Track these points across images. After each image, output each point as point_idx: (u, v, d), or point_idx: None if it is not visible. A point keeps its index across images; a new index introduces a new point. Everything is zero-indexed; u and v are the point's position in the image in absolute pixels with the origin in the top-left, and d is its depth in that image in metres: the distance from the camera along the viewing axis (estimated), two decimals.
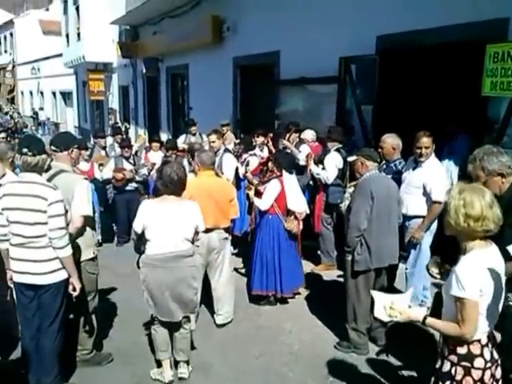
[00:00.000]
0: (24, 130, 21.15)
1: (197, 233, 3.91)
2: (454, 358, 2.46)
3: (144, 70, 15.37)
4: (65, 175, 3.84)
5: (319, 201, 6.42)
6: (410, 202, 4.93)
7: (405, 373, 4.15)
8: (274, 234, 5.21)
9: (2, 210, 3.44)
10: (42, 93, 31.49)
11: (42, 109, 30.31)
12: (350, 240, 4.29)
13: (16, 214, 3.41)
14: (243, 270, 6.34)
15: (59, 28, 22.96)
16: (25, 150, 3.45)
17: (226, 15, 10.61)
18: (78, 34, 19.19)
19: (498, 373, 2.52)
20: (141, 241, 3.89)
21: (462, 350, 2.44)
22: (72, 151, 4.00)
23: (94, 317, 4.20)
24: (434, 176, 4.86)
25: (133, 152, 8.12)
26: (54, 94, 29.37)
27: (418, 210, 4.92)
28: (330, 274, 6.31)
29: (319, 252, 6.58)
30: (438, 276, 3.48)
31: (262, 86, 9.59)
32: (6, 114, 27.34)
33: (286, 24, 8.61)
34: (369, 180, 4.31)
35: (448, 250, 2.79)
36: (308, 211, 5.64)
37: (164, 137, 13.31)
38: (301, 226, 5.32)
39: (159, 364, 4.11)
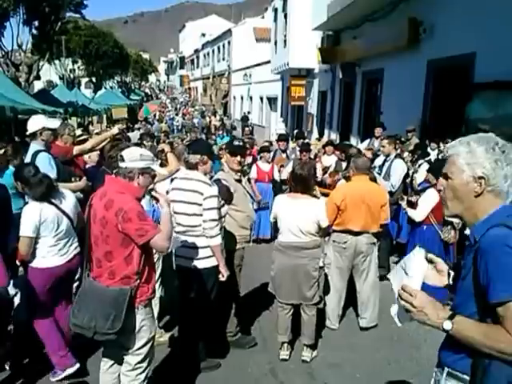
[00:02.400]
0: (233, 131, 23.84)
1: (322, 229, 4.44)
2: None
3: (340, 75, 16.06)
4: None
5: None
6: None
7: None
8: (429, 246, 5.28)
9: (171, 201, 4.34)
10: (251, 98, 34.66)
11: (249, 113, 33.31)
12: None
13: (180, 205, 4.27)
14: None
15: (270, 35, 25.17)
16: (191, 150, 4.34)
17: (423, 17, 10.62)
18: (285, 41, 20.85)
19: None
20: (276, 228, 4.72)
21: None
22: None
23: (236, 304, 4.92)
24: None
25: (311, 155, 8.80)
26: (261, 98, 32.11)
27: None
28: None
29: None
30: None
31: (455, 90, 9.40)
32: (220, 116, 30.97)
33: (483, 24, 8.37)
34: None
35: None
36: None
37: (354, 141, 13.79)
38: (457, 236, 5.31)
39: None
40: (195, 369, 4.49)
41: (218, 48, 46.57)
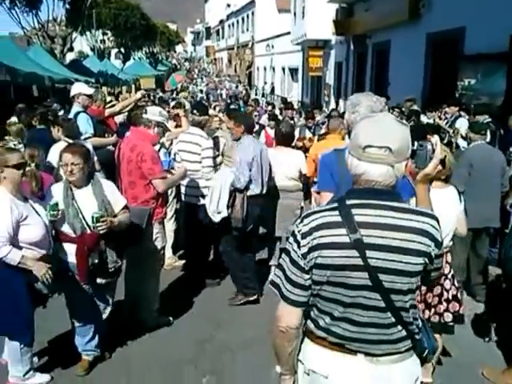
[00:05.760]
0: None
1: (302, 174, 5.38)
2: None
3: (352, 47, 16.72)
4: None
5: None
6: None
7: None
8: None
9: (178, 151, 5.39)
10: (273, 68, 35.20)
11: (266, 83, 33.72)
12: None
13: (184, 154, 5.36)
14: None
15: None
16: (195, 111, 5.37)
17: None
18: (303, 13, 21.37)
19: (447, 284, 3.54)
20: None
21: None
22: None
23: None
24: None
25: (315, 122, 9.73)
26: (283, 69, 32.62)
27: None
28: None
29: None
30: None
31: (450, 61, 10.14)
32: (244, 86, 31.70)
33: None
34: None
35: None
36: None
37: None
38: None
39: None
40: (201, 283, 5.62)
41: (242, 19, 46.64)
